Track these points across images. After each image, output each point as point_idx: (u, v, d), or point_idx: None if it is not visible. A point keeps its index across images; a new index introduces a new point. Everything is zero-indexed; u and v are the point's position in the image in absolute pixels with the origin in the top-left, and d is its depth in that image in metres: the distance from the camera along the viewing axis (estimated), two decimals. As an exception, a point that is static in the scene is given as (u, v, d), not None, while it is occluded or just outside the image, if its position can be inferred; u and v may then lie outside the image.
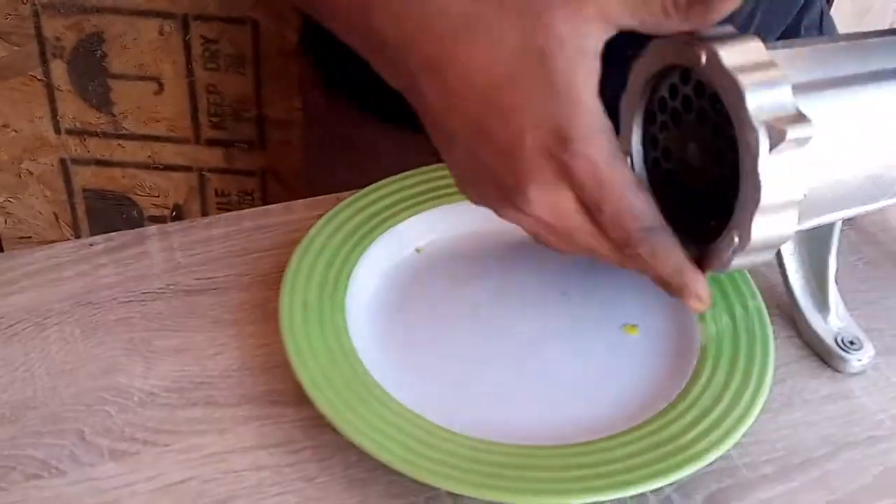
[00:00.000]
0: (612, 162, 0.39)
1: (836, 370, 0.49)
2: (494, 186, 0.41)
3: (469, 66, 0.39)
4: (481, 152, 0.40)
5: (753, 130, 0.38)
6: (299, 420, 0.45)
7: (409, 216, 0.54)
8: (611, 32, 0.38)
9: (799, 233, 0.50)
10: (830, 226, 0.49)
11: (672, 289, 0.43)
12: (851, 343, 0.49)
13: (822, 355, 0.50)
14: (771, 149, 0.38)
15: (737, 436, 0.42)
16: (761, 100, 0.38)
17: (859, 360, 0.49)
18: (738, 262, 0.41)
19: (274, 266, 0.53)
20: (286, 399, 0.46)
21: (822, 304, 0.50)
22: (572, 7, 0.37)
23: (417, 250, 0.54)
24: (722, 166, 0.42)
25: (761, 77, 0.38)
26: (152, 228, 0.55)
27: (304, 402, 0.44)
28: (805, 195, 0.42)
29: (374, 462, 0.41)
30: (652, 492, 0.42)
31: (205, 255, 0.54)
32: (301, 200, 0.57)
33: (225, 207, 1.14)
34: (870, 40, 0.45)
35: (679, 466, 0.41)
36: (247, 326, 0.50)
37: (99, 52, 1.05)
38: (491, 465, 0.42)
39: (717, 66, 0.39)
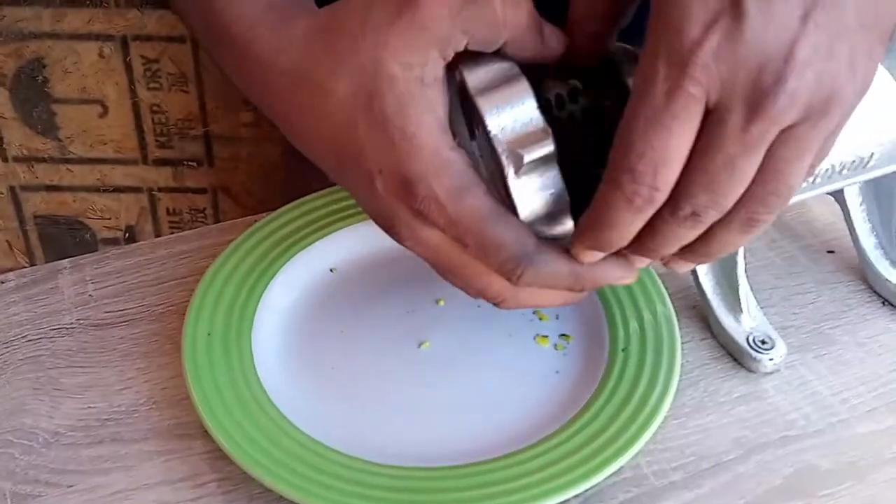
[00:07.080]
0: (460, 196, 0.36)
1: (750, 370, 0.49)
2: (376, 222, 0.40)
3: (311, 118, 0.39)
4: (353, 193, 0.40)
5: (497, 155, 0.37)
6: (205, 452, 0.45)
7: (323, 236, 0.54)
8: (449, 55, 0.36)
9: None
10: (736, 226, 0.48)
11: (582, 292, 0.41)
12: (763, 343, 0.49)
13: (736, 356, 0.50)
14: (516, 172, 0.36)
15: (638, 445, 0.42)
16: (503, 120, 0.36)
17: (771, 360, 0.48)
18: None
19: (188, 294, 0.52)
20: (193, 432, 0.46)
21: (734, 305, 0.50)
22: (403, 40, 0.35)
23: (332, 270, 0.54)
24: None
25: (502, 96, 0.37)
26: (64, 262, 0.55)
27: (210, 434, 0.43)
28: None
29: (278, 493, 0.41)
30: (557, 506, 0.42)
31: (117, 286, 0.53)
32: (215, 225, 0.57)
33: (177, 226, 1.14)
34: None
35: (580, 479, 0.41)
36: (157, 359, 0.49)
37: (40, 77, 1.04)
38: (398, 490, 0.41)
39: (465, 88, 0.37)
